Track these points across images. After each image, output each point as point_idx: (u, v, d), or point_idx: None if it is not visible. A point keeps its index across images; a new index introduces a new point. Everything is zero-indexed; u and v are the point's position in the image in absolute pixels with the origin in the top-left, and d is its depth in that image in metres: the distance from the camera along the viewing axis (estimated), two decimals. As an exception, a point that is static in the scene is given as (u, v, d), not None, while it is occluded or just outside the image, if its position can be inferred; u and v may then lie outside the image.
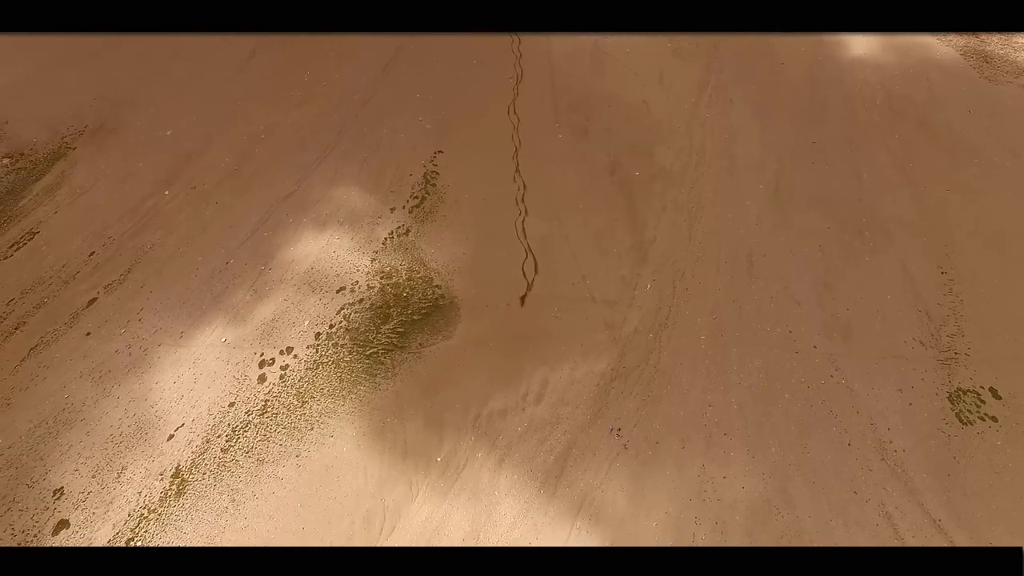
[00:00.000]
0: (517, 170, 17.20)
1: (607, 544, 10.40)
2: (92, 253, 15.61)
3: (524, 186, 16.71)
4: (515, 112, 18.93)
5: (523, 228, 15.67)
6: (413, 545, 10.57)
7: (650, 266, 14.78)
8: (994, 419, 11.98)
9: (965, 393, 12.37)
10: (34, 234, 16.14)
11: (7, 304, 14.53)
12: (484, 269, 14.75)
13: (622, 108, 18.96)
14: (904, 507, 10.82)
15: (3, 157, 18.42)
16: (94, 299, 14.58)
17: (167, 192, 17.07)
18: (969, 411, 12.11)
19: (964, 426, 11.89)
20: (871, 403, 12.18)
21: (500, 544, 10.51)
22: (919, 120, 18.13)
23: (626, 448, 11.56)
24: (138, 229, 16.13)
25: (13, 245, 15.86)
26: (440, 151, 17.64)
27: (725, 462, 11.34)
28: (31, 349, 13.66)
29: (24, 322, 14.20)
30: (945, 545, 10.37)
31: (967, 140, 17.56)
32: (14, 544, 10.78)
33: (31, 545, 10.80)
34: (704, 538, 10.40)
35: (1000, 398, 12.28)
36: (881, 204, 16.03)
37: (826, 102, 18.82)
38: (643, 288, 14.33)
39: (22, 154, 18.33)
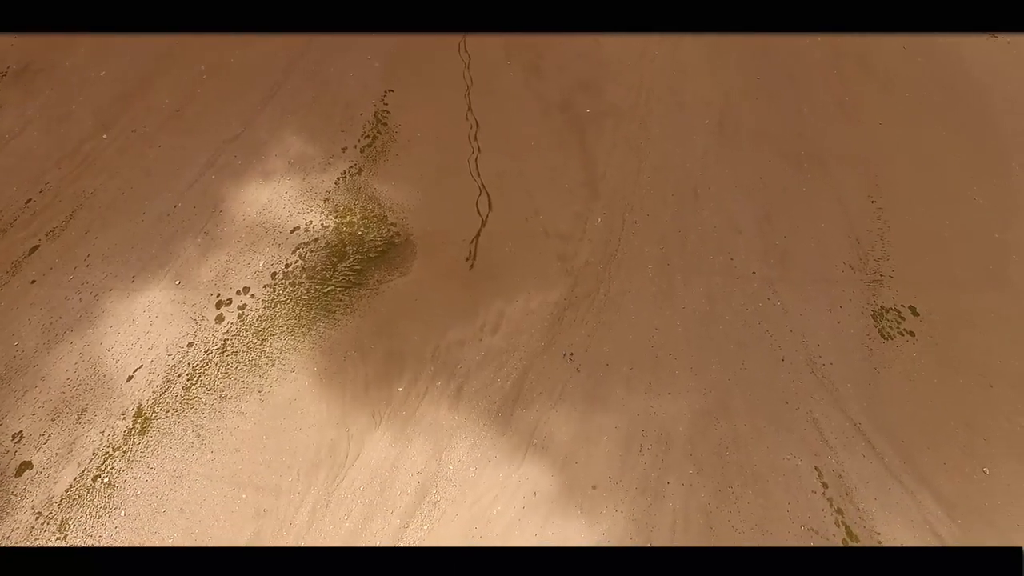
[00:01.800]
0: (470, 108, 17.16)
1: (561, 459, 11.13)
2: (29, 200, 15.07)
3: (477, 124, 16.74)
4: (466, 50, 18.71)
5: (476, 165, 15.79)
6: (375, 473, 11.07)
7: (601, 201, 15.19)
8: (912, 334, 13.07)
9: (887, 311, 13.39)
10: (-36, 182, 15.42)
11: (-58, 254, 14.02)
12: (438, 206, 14.91)
13: (574, 45, 18.94)
14: (829, 413, 11.87)
15: (-80, 100, 17.30)
16: (36, 247, 14.18)
17: (105, 136, 16.44)
18: (890, 327, 13.16)
19: (885, 340, 12.94)
20: (803, 322, 13.10)
21: (461, 463, 11.12)
22: (857, 57, 18.74)
23: (578, 371, 12.21)
24: (77, 174, 15.58)
25: (-59, 193, 15.15)
26: (391, 90, 17.41)
27: (670, 380, 12.13)
28: (-27, 299, 13.31)
29: (-37, 272, 13.76)
30: (863, 443, 11.49)
31: (901, 76, 18.29)
32: (-23, 487, 10.85)
33: (-6, 489, 10.88)
34: (650, 449, 11.24)
35: (918, 315, 13.35)
36: (820, 137, 16.71)
37: (769, 40, 19.19)
38: (594, 222, 14.78)
39: (-59, 97, 17.27)
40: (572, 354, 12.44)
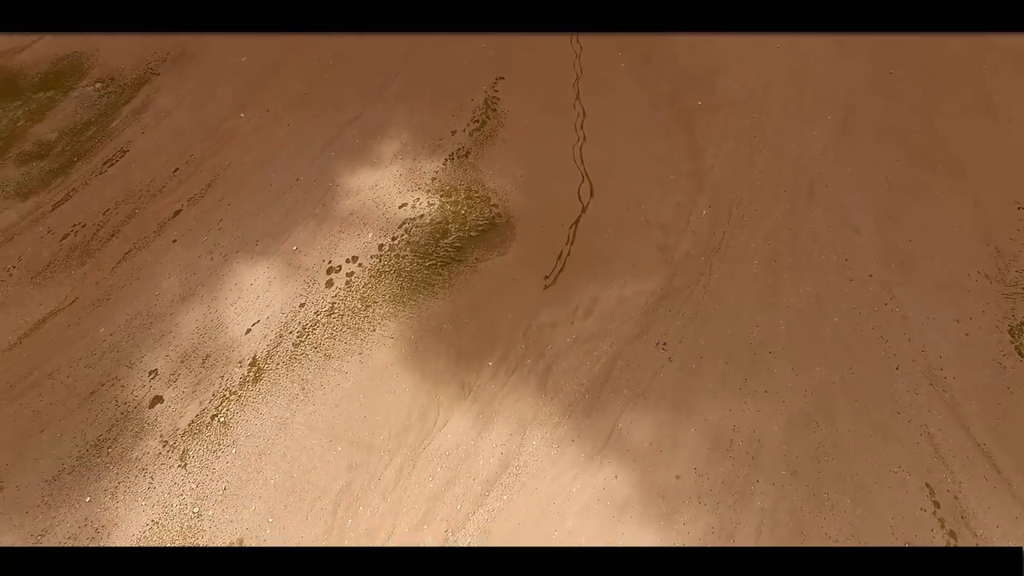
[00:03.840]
0: (578, 97, 17.24)
1: (646, 445, 10.94)
2: (176, 170, 16.81)
3: (584, 112, 16.78)
4: (578, 40, 18.80)
5: (580, 153, 15.83)
6: (461, 441, 11.40)
7: (707, 193, 14.76)
8: (1057, 354, 11.68)
9: (1029, 327, 12.05)
10: (124, 152, 17.46)
11: (103, 214, 15.94)
12: (540, 191, 15.10)
13: (687, 37, 18.51)
14: (947, 430, 10.84)
15: (95, 82, 19.77)
16: (179, 211, 15.80)
17: (243, 115, 18.05)
18: (1030, 344, 11.84)
19: (1023, 359, 11.65)
20: (925, 331, 12.04)
21: (544, 440, 11.22)
22: (1007, 49, 16.97)
23: (671, 361, 11.93)
24: (217, 148, 17.21)
25: (107, 162, 17.24)
26: (502, 77, 17.84)
27: (768, 378, 11.57)
28: (125, 253, 15.04)
29: (118, 230, 15.59)
30: (987, 466, 10.42)
31: (1062, 71, 16.38)
32: (116, 414, 12.26)
33: (128, 418, 12.23)
34: (741, 445, 10.79)
35: (1066, 334, 11.92)
36: (959, 136, 15.30)
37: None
38: (698, 214, 14.38)
39: (112, 79, 19.63)
40: (665, 344, 12.19)
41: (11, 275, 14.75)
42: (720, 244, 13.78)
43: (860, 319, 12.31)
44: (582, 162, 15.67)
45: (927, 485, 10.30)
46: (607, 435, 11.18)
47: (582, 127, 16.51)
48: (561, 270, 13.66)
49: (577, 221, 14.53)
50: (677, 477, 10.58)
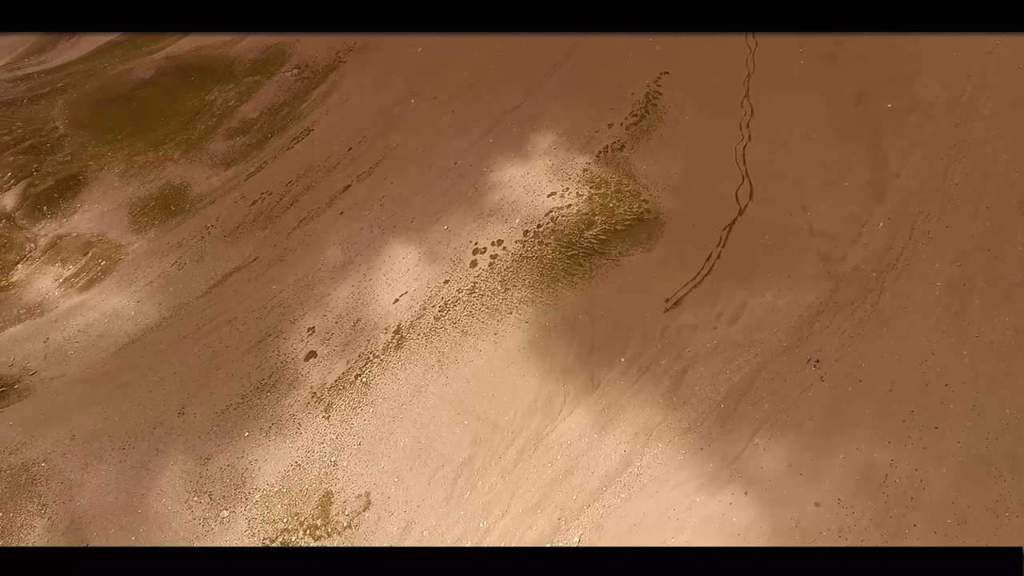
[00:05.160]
0: (747, 95, 16.23)
1: (784, 466, 10.03)
2: (350, 148, 18.31)
3: (752, 111, 15.77)
4: (754, 35, 17.70)
5: (743, 154, 14.91)
6: (584, 433, 11.22)
7: (887, 203, 13.24)
8: None
9: None
10: (309, 131, 19.36)
11: (286, 185, 17.80)
12: (695, 190, 14.45)
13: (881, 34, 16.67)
14: None
15: (293, 68, 22.10)
16: (348, 186, 17.19)
17: (413, 101, 19.22)
18: None
19: None
20: None
21: (672, 444, 10.72)
22: None
23: (822, 380, 10.84)
24: (387, 130, 18.49)
25: (294, 139, 19.22)
26: (666, 72, 17.29)
27: (941, 413, 10.08)
28: (300, 221, 16.67)
29: (297, 200, 17.31)
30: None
31: None
32: (277, 363, 13.62)
33: (285, 368, 13.52)
34: (898, 482, 9.52)
35: None
36: None
37: None
38: (874, 226, 12.93)
39: (307, 66, 21.81)
40: (818, 361, 11.09)
41: (209, 232, 16.96)
42: (897, 260, 12.26)
43: (1072, 363, 10.34)
44: (744, 162, 14.75)
45: None
46: (740, 449, 10.40)
47: (748, 126, 15.53)
48: (709, 273, 12.95)
49: (732, 223, 13.70)
50: (816, 505, 9.56)
